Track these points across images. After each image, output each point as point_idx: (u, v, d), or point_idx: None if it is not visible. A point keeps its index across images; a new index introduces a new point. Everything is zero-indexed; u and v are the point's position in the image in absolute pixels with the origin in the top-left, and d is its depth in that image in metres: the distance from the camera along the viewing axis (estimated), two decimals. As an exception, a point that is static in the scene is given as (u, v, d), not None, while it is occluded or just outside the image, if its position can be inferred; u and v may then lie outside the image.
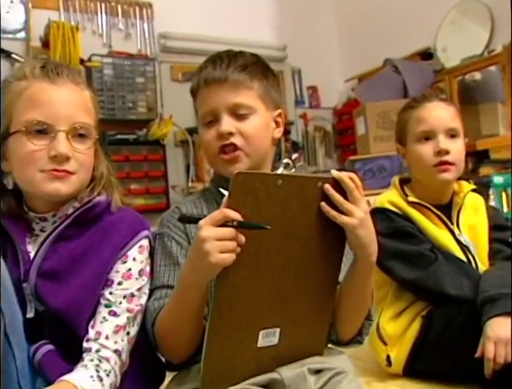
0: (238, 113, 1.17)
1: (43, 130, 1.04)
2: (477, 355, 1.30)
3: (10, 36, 3.68)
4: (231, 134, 1.16)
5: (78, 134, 1.07)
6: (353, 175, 1.04)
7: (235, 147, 1.17)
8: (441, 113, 1.57)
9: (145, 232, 1.14)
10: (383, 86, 3.76)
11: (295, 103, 4.87)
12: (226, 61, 1.19)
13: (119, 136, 3.72)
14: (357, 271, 1.11)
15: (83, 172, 1.09)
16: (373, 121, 3.62)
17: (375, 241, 1.08)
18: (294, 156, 4.57)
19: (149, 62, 4.05)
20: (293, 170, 1.17)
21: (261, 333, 1.02)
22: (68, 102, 1.07)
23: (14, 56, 3.61)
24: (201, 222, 0.93)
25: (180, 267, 1.12)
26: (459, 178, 1.64)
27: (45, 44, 3.57)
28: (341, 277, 1.12)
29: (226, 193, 0.95)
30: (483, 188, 3.27)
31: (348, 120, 4.51)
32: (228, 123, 1.16)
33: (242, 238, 0.92)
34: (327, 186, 1.01)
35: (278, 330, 1.04)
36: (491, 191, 3.24)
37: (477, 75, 3.96)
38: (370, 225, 1.07)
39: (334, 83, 4.94)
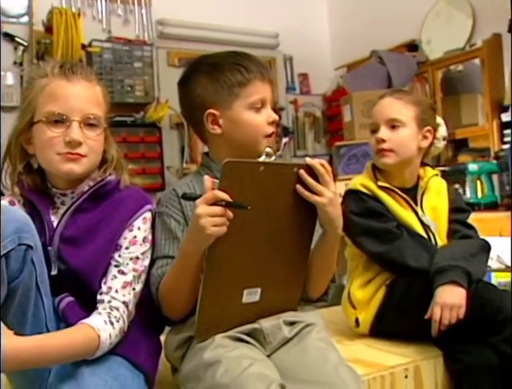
0: (271, 106, 1.43)
1: (60, 120, 1.23)
2: (426, 317, 1.48)
3: (14, 20, 3.81)
4: (277, 121, 1.43)
5: (89, 123, 1.26)
6: (324, 162, 1.24)
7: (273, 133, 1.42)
8: (383, 107, 1.72)
9: (148, 206, 1.33)
10: (369, 76, 3.94)
11: (286, 89, 5.02)
12: (266, 66, 1.46)
13: (117, 118, 3.84)
14: (325, 242, 1.33)
15: (93, 155, 1.28)
16: (359, 110, 3.80)
17: (341, 217, 1.30)
18: (284, 140, 4.75)
19: (147, 48, 4.19)
20: (273, 158, 1.37)
21: (245, 292, 1.23)
22: (81, 96, 1.25)
23: (17, 39, 3.76)
24: (197, 201, 1.14)
25: (178, 240, 1.32)
26: (424, 164, 1.80)
27: (48, 29, 3.71)
28: (312, 246, 1.34)
29: (206, 177, 1.15)
30: (459, 174, 3.47)
31: (337, 107, 4.64)
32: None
33: (230, 214, 1.12)
34: (302, 172, 1.21)
35: (259, 289, 1.25)
36: (466, 178, 3.42)
37: (460, 67, 4.15)
38: (337, 204, 1.28)
39: (324, 71, 5.07)
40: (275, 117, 1.41)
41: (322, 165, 1.23)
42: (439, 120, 1.79)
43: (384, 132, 1.69)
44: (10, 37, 3.75)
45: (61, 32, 3.62)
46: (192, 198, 1.19)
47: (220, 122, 1.39)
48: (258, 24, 4.67)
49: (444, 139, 1.79)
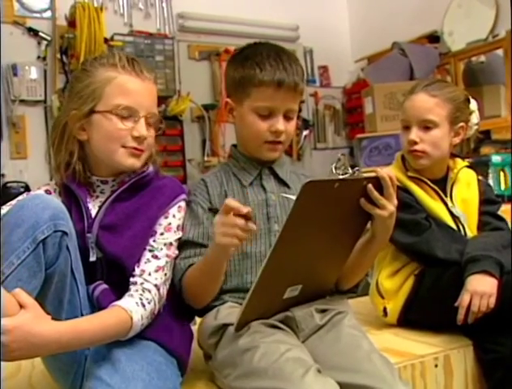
0: (289, 115, 1.38)
1: (130, 114, 1.25)
2: (456, 304, 1.48)
3: (37, 15, 3.84)
4: (281, 132, 1.37)
5: (151, 121, 1.29)
6: (391, 173, 1.24)
7: (279, 143, 1.39)
8: (416, 105, 1.67)
9: (183, 196, 1.36)
10: (391, 68, 3.91)
11: (306, 82, 4.98)
12: (294, 68, 1.36)
13: (139, 112, 3.86)
14: (373, 246, 1.34)
15: (148, 151, 1.32)
16: (380, 102, 3.78)
17: (392, 228, 1.30)
18: (304, 133, 4.75)
19: (168, 41, 4.20)
20: (343, 168, 1.36)
21: (288, 289, 1.24)
22: (148, 94, 1.29)
23: (41, 34, 3.80)
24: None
25: (203, 226, 1.35)
26: (454, 156, 1.79)
27: (71, 23, 3.73)
28: None
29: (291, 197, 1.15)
30: (482, 166, 3.44)
31: (357, 99, 4.63)
32: (282, 124, 1.36)
33: (243, 225, 1.12)
34: (370, 187, 1.21)
35: (300, 286, 1.26)
36: (490, 170, 3.39)
37: (482, 58, 4.11)
38: (394, 217, 1.28)
39: (344, 63, 5.06)
40: (279, 127, 1.35)
41: (390, 178, 1.23)
42: (473, 106, 1.76)
43: (416, 133, 1.66)
44: (33, 32, 3.78)
45: (84, 26, 3.64)
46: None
47: (234, 113, 1.43)
48: (278, 17, 4.67)
49: (476, 125, 1.77)
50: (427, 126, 1.66)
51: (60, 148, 1.30)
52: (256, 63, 1.36)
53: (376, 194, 1.22)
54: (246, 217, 1.13)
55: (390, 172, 1.24)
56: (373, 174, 1.23)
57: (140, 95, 1.26)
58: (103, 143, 1.28)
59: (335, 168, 1.31)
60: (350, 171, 1.31)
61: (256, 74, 1.34)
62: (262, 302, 1.23)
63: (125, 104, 1.24)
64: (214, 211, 1.34)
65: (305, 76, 4.85)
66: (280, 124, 1.36)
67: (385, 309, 1.71)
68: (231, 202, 1.13)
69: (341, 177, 1.29)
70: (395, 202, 1.25)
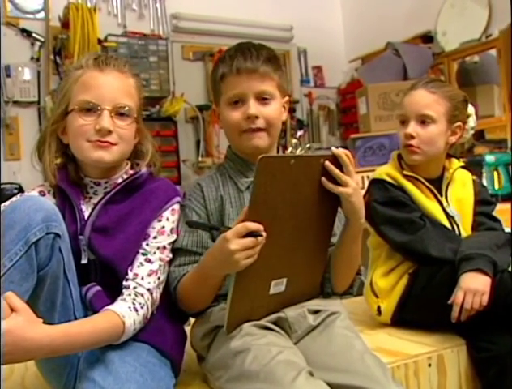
0: (262, 99, 1.35)
1: (91, 109, 1.26)
2: (449, 302, 1.49)
3: (31, 16, 3.84)
4: (257, 117, 1.33)
5: (120, 112, 1.28)
6: (348, 152, 1.24)
7: (259, 129, 1.35)
8: (415, 100, 1.68)
9: (177, 199, 1.35)
10: (384, 68, 3.92)
11: (300, 82, 5.01)
12: (255, 53, 1.34)
13: (133, 112, 3.87)
14: (349, 232, 1.33)
15: (123, 144, 1.29)
16: (374, 102, 3.78)
17: (363, 207, 1.30)
18: (299, 133, 4.75)
19: (161, 42, 4.21)
20: (300, 149, 1.38)
21: (272, 283, 1.24)
22: (113, 87, 1.28)
23: (34, 35, 3.79)
24: (228, 235, 1.11)
25: (197, 233, 1.34)
26: (450, 156, 1.79)
27: (64, 24, 3.73)
28: (335, 240, 1.36)
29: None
30: (476, 166, 3.44)
31: (351, 99, 4.63)
32: (254, 107, 1.33)
33: (262, 241, 1.11)
34: (327, 163, 1.21)
35: (285, 279, 1.26)
36: (483, 169, 3.40)
37: (475, 58, 4.13)
38: (360, 194, 1.28)
39: (338, 64, 5.07)
40: (250, 111, 1.33)
41: (347, 156, 1.23)
42: (470, 110, 1.76)
43: (413, 127, 1.67)
44: (27, 33, 3.78)
45: (78, 27, 3.64)
46: (201, 226, 1.29)
47: (220, 118, 1.42)
48: (272, 17, 4.67)
49: (472, 129, 1.78)
50: (424, 120, 1.67)
51: (44, 152, 1.31)
52: (220, 61, 1.39)
53: (336, 171, 1.21)
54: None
55: (346, 151, 1.23)
56: (329, 152, 1.23)
57: (102, 88, 1.26)
58: (73, 142, 1.29)
59: (291, 152, 1.32)
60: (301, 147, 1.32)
61: (219, 70, 1.37)
62: (248, 299, 1.22)
63: (84, 100, 1.26)
64: (202, 227, 1.32)
65: (300, 76, 4.89)
66: (251, 108, 1.33)
67: (379, 308, 1.70)
68: (250, 225, 1.10)
69: (297, 154, 1.29)
70: (356, 179, 1.25)
